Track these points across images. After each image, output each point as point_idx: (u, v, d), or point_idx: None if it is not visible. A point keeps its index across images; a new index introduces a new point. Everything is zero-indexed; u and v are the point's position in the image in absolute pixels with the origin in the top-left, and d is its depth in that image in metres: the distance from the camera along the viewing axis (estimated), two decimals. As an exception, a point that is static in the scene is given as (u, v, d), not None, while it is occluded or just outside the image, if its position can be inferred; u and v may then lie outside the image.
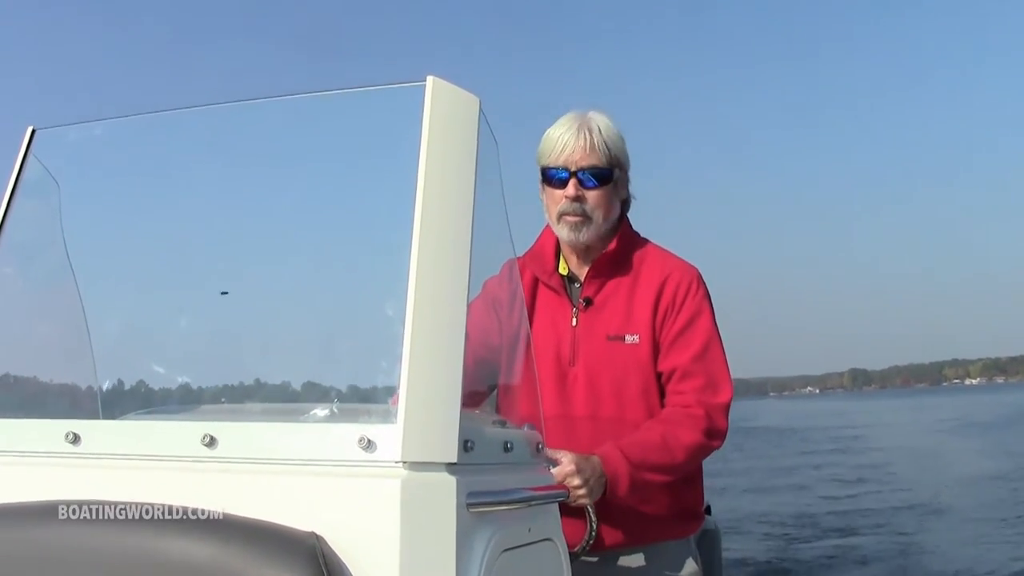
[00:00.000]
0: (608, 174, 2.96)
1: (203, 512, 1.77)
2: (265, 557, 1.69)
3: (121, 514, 1.79)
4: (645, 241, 3.11)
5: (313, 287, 2.31)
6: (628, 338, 2.95)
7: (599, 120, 2.98)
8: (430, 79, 1.96)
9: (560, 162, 2.94)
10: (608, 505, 2.78)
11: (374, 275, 2.17)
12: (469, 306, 2.68)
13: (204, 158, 2.39)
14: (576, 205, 2.95)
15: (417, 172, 1.89)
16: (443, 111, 1.96)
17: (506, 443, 2.05)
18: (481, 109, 2.02)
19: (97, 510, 1.80)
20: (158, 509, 1.78)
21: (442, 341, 1.82)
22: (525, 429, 2.24)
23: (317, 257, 2.32)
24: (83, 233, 2.48)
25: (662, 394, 2.97)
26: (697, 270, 3.06)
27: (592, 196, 2.96)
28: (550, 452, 2.60)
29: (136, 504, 1.81)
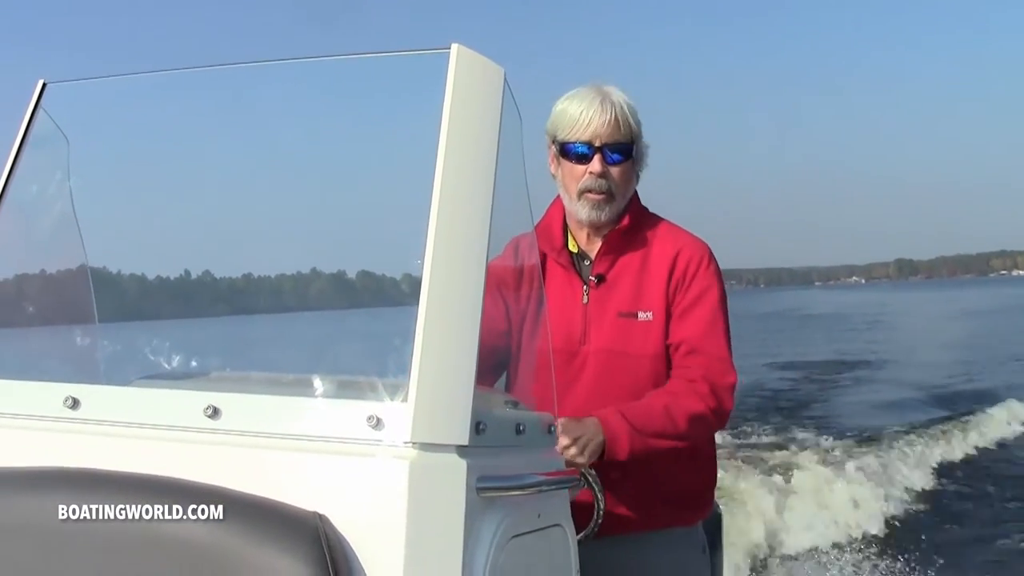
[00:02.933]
0: (630, 148, 2.90)
1: (203, 487, 1.71)
2: (266, 536, 1.64)
3: (120, 487, 1.74)
4: (656, 216, 3.06)
5: (326, 260, 2.25)
6: (641, 315, 2.90)
7: (618, 94, 2.91)
8: (455, 47, 1.89)
9: (584, 137, 2.86)
10: (618, 488, 2.73)
11: (389, 248, 2.11)
12: None
13: (220, 119, 2.33)
14: (601, 181, 2.88)
15: (437, 143, 1.82)
16: (467, 80, 1.89)
17: (518, 425, 2.00)
18: (506, 80, 1.95)
19: (95, 481, 1.76)
20: (157, 482, 1.73)
21: (457, 318, 1.77)
22: (538, 411, 2.18)
23: (331, 227, 2.27)
24: (92, 190, 2.42)
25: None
26: (708, 246, 3.00)
27: (616, 172, 2.89)
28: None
29: (135, 476, 1.76)
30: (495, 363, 2.82)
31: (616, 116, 2.86)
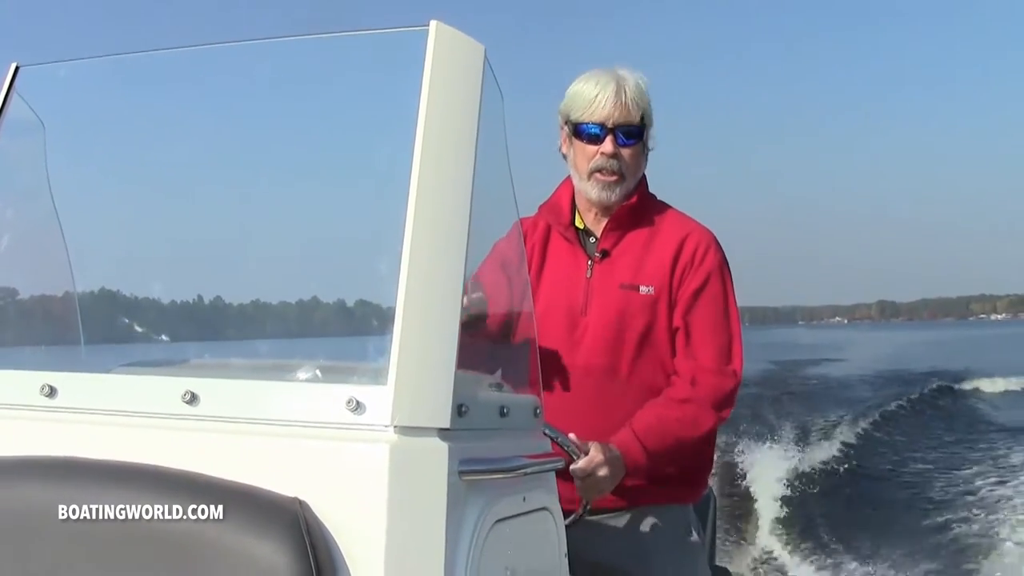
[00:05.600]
0: (641, 131, 2.95)
1: (181, 473, 1.69)
2: (245, 523, 1.61)
3: (95, 472, 1.71)
4: (663, 203, 3.09)
5: (305, 241, 2.22)
6: (643, 288, 2.93)
7: (631, 77, 2.95)
8: (434, 24, 1.86)
9: (596, 118, 2.91)
10: None
11: (368, 229, 2.08)
12: (480, 267, 2.60)
13: (198, 99, 2.30)
14: (612, 162, 2.92)
15: (416, 122, 1.79)
16: (446, 58, 1.86)
17: (502, 407, 1.97)
18: (486, 58, 1.92)
19: (71, 470, 1.73)
20: (135, 469, 1.70)
21: (437, 299, 1.73)
22: (523, 393, 2.16)
23: (309, 209, 2.23)
24: (70, 176, 2.38)
25: (674, 351, 2.94)
26: (714, 234, 3.03)
27: (627, 153, 2.94)
28: (576, 440, 2.61)
29: (112, 464, 1.73)
30: (502, 335, 2.83)
31: (629, 99, 2.91)
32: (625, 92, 2.90)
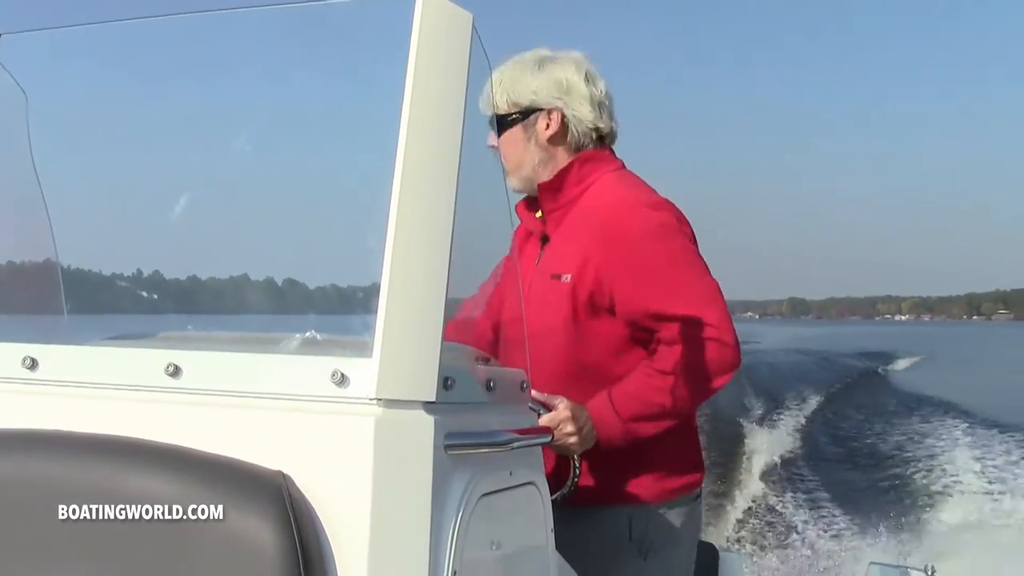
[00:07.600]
0: (503, 119, 2.85)
1: (164, 446, 1.67)
2: (229, 496, 1.60)
3: (79, 446, 1.69)
4: (604, 174, 2.88)
5: (289, 212, 2.20)
6: (563, 277, 2.76)
7: (510, 65, 2.85)
8: (420, -9, 1.83)
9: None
10: (601, 460, 2.69)
11: (354, 200, 2.06)
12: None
13: (181, 69, 2.26)
14: (496, 153, 2.86)
15: (403, 92, 1.76)
16: (433, 28, 1.82)
17: (489, 381, 1.95)
18: (474, 27, 1.89)
19: (53, 441, 1.71)
20: (117, 442, 1.69)
21: (423, 272, 1.71)
22: (510, 368, 2.14)
23: (294, 181, 2.21)
24: (53, 148, 2.35)
25: (600, 338, 2.78)
26: (658, 205, 2.81)
27: (499, 143, 2.86)
28: (545, 396, 2.55)
29: (95, 436, 1.71)
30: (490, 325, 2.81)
31: (496, 87, 2.81)
32: (494, 81, 2.79)
